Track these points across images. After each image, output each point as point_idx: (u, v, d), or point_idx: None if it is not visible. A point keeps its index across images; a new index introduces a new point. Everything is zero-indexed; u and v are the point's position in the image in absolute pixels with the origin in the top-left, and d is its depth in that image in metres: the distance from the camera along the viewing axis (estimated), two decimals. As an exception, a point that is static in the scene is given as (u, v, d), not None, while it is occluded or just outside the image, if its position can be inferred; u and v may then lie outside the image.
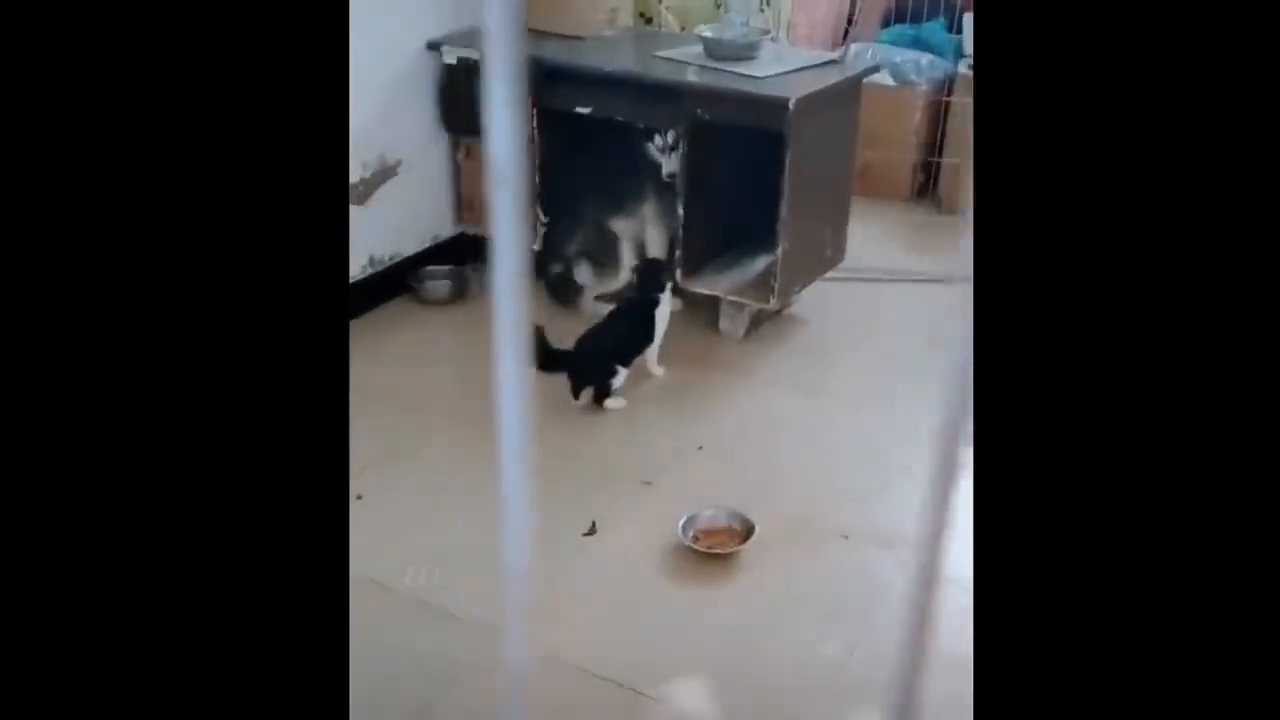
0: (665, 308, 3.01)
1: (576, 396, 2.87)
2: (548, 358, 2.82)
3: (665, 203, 3.36)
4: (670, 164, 3.33)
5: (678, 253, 3.22)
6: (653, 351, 3.02)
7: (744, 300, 3.22)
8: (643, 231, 3.45)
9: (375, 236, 3.36)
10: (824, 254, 3.38)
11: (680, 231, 3.21)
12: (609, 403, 2.88)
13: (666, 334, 3.05)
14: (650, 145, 3.37)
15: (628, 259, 3.47)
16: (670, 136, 3.29)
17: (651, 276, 3.03)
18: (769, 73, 3.06)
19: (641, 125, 3.37)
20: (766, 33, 3.43)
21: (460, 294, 3.50)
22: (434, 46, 3.37)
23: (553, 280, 3.52)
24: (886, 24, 4.80)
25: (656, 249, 3.42)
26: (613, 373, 2.87)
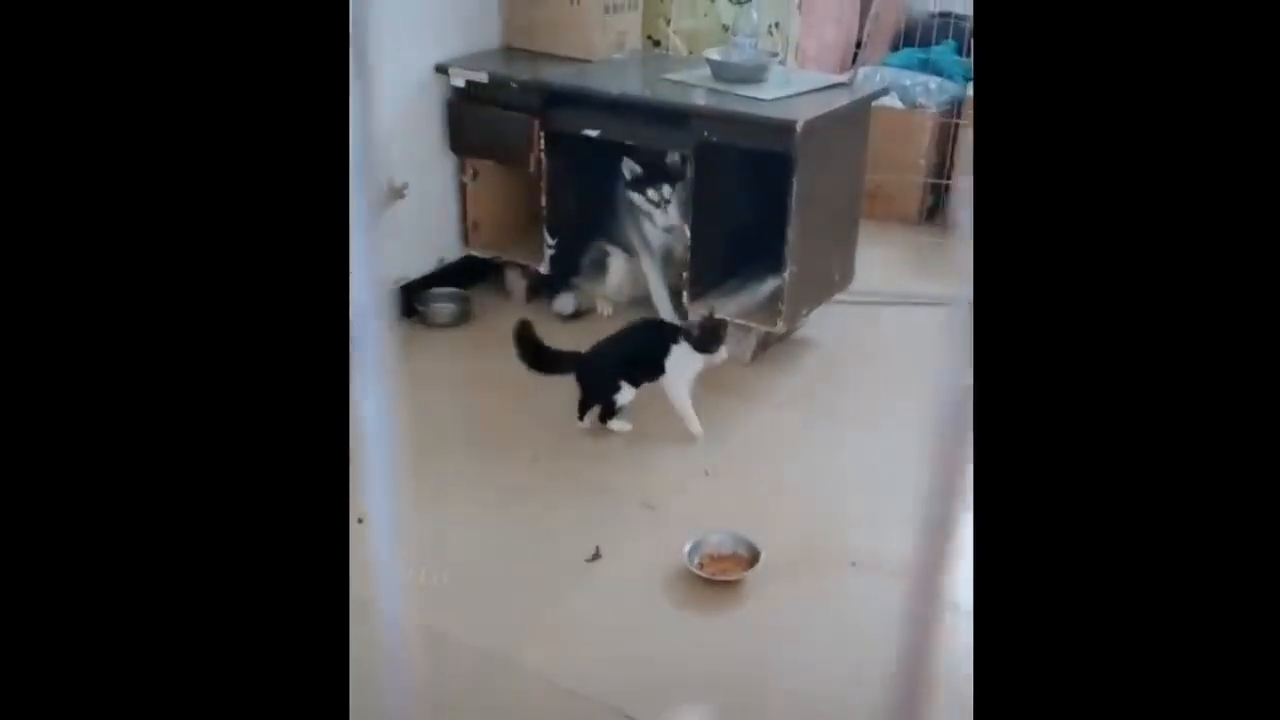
0: (685, 359, 2.82)
1: (581, 416, 2.84)
2: (540, 356, 2.82)
3: (669, 234, 3.36)
4: (668, 217, 3.29)
5: (685, 275, 3.20)
6: (687, 405, 2.86)
7: (751, 323, 3.19)
8: (645, 257, 3.44)
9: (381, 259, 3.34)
10: (832, 277, 3.36)
11: (687, 254, 3.19)
12: (614, 424, 2.86)
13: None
14: (642, 199, 3.30)
15: (629, 284, 3.47)
16: (665, 190, 3.25)
17: (711, 336, 2.82)
18: (776, 95, 3.05)
19: (630, 177, 3.29)
20: (775, 56, 3.42)
21: (466, 317, 3.49)
22: (442, 69, 3.37)
23: (559, 303, 3.51)
24: (896, 47, 4.79)
25: (657, 274, 3.41)
26: (617, 388, 2.83)
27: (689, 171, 3.15)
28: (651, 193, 3.29)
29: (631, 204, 3.36)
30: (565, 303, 3.50)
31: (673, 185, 3.28)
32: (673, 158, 3.29)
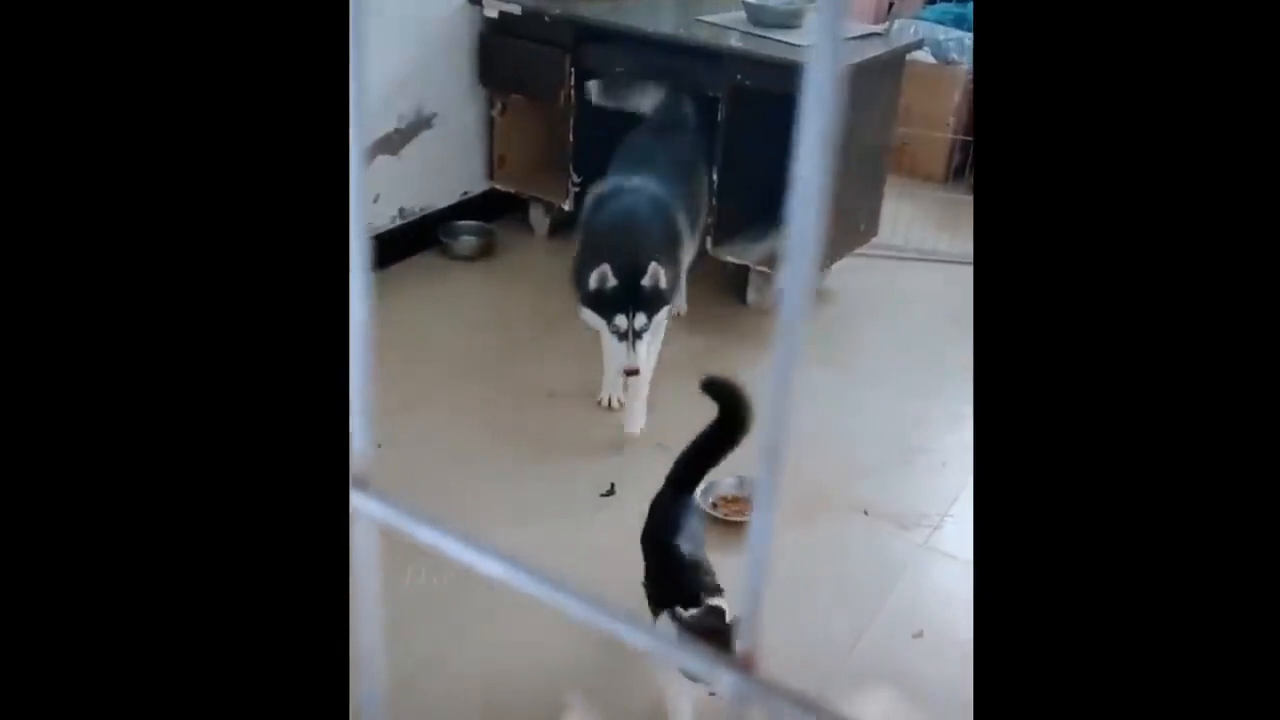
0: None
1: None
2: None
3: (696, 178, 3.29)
4: (633, 357, 2.47)
5: (709, 220, 3.19)
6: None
7: (773, 271, 3.19)
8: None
9: (406, 188, 3.35)
10: (857, 229, 3.35)
11: (713, 198, 3.18)
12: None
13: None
14: (604, 325, 2.51)
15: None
16: (639, 320, 2.45)
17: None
18: (812, 41, 3.02)
19: (593, 287, 2.45)
20: (811, 1, 3.38)
21: (487, 250, 3.49)
22: (475, 0, 3.34)
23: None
24: (932, 0, 4.73)
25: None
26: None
27: (674, 293, 2.64)
28: (619, 319, 2.44)
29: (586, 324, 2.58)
30: None
31: (650, 314, 2.46)
32: (657, 279, 2.47)
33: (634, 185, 2.68)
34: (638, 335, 2.44)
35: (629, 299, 2.42)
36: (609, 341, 2.51)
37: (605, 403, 2.77)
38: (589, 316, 2.51)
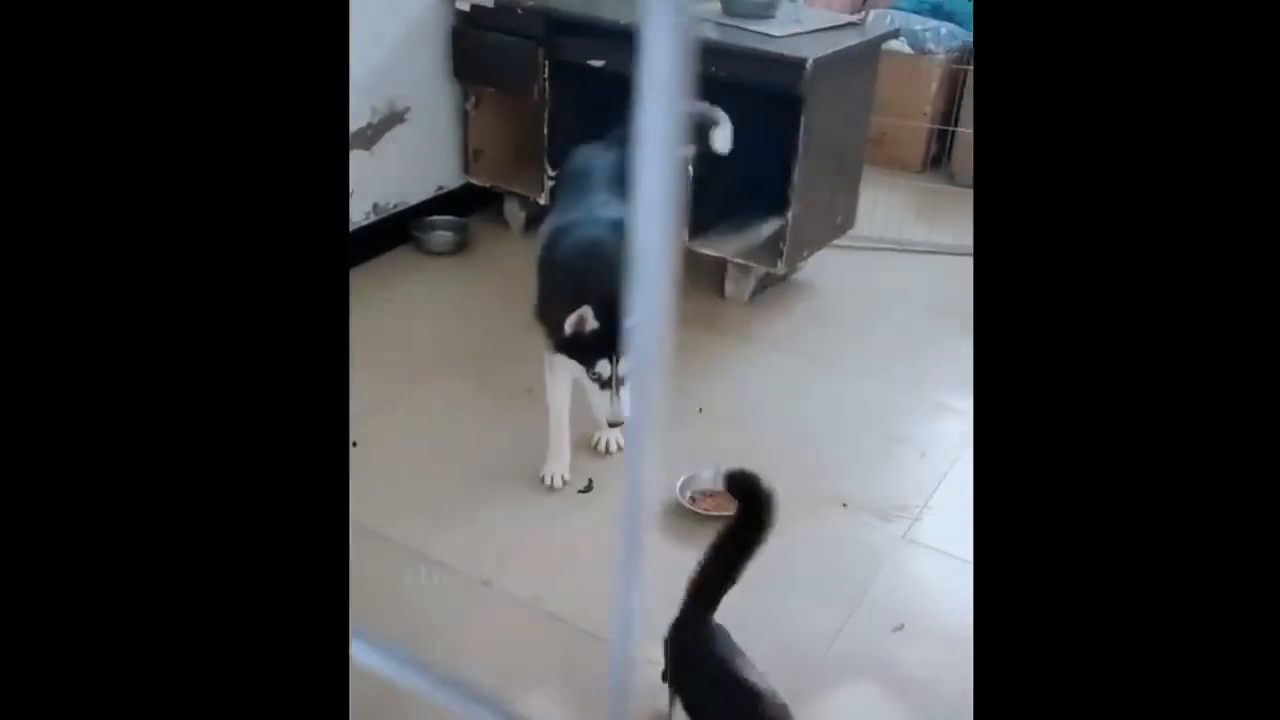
0: None
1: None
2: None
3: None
4: (616, 407, 2.21)
5: (686, 215, 3.17)
6: None
7: (751, 263, 3.18)
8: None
9: (380, 183, 3.32)
10: (834, 220, 3.33)
11: (689, 191, 3.16)
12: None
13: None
14: (585, 371, 2.22)
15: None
16: (623, 366, 2.19)
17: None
18: (786, 32, 3.01)
19: (570, 332, 2.17)
20: (785, -7, 3.36)
21: (463, 245, 3.47)
22: (447, -8, 3.31)
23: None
24: (907, -9, 4.72)
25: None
26: None
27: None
28: (602, 365, 2.19)
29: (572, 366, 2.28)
30: None
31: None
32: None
33: (599, 215, 2.41)
34: (622, 382, 2.20)
35: (612, 343, 2.16)
36: (590, 389, 2.25)
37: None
38: (562, 362, 2.27)
